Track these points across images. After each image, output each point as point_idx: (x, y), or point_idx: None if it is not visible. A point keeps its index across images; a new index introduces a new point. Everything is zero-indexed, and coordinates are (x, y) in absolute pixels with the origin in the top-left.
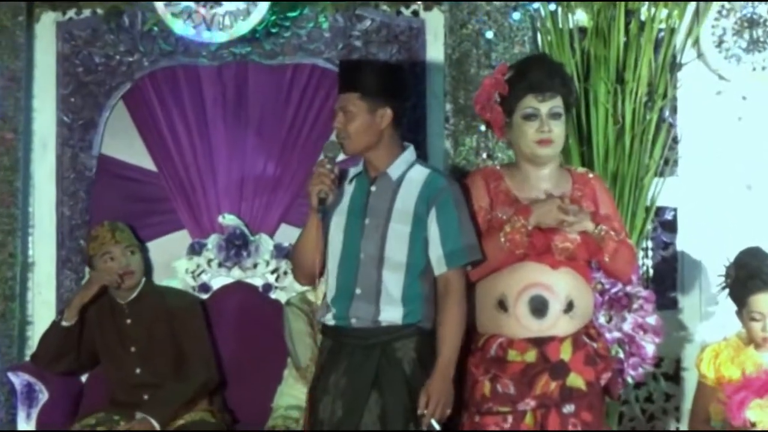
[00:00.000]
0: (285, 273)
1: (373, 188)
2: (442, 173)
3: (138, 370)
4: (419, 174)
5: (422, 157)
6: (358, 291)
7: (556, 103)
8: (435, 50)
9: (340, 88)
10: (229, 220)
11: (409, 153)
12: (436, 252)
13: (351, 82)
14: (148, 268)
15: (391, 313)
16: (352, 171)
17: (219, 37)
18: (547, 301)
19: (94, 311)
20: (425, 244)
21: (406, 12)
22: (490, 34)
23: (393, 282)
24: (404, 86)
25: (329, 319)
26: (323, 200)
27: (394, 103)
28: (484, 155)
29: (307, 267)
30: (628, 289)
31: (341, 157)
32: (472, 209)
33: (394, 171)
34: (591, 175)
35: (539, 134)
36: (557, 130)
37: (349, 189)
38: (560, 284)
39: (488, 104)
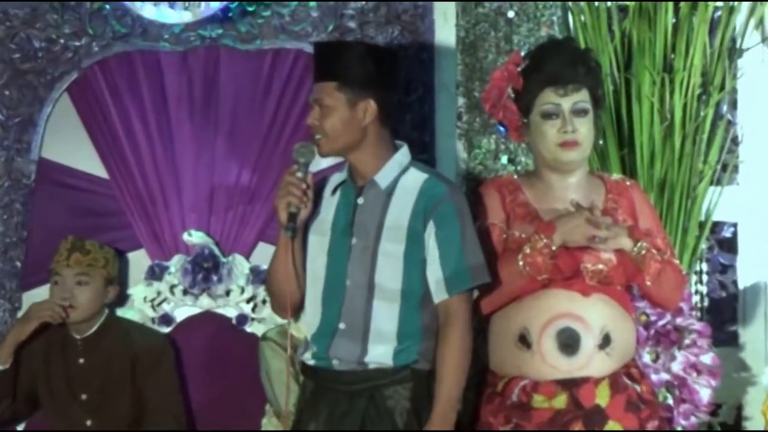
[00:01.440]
0: (264, 302)
1: (360, 200)
2: (442, 178)
3: (88, 422)
4: (414, 180)
5: (430, 161)
6: (341, 326)
7: (581, 97)
8: (445, 33)
9: (315, 76)
10: (196, 237)
11: (402, 155)
12: (435, 275)
13: (327, 69)
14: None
15: (380, 353)
16: (335, 179)
17: (184, 16)
18: (578, 335)
19: (42, 344)
20: (423, 266)
21: None
22: (511, 14)
23: (385, 315)
24: (391, 73)
25: (308, 359)
26: (293, 216)
27: (379, 93)
28: (505, 159)
29: (282, 297)
30: (679, 321)
31: (326, 162)
32: (484, 226)
33: (384, 177)
34: (628, 183)
35: (561, 135)
36: (583, 129)
37: (332, 201)
38: (594, 314)
39: (500, 102)
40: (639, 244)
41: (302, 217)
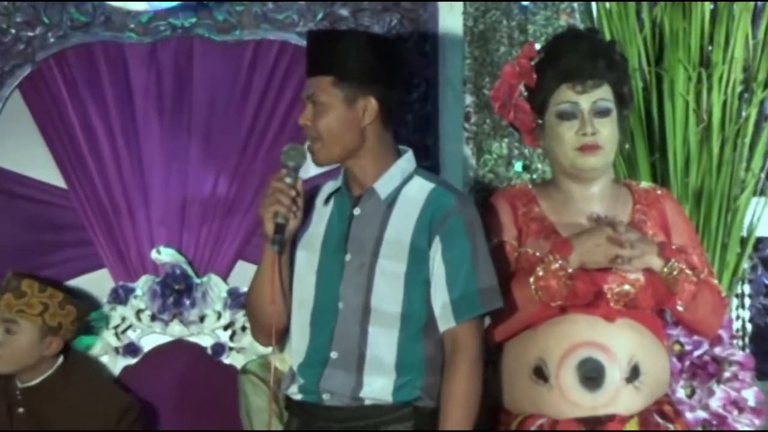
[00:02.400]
0: (243, 329)
1: (356, 211)
2: (452, 188)
3: None
4: (419, 190)
5: (433, 168)
6: (333, 355)
7: (602, 95)
8: (451, 21)
9: (308, 69)
10: (165, 255)
11: (406, 161)
12: (441, 299)
13: (322, 62)
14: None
15: (378, 387)
16: (329, 187)
17: (153, 3)
18: (602, 367)
19: None
20: (427, 288)
21: None
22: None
23: (382, 342)
24: (394, 66)
25: (294, 392)
26: (281, 227)
27: (380, 90)
28: (519, 166)
29: (264, 322)
30: (718, 350)
31: (317, 170)
32: (493, 243)
33: (384, 186)
34: (659, 192)
35: (580, 138)
36: (605, 131)
37: (324, 212)
38: (620, 342)
39: (511, 100)
40: (670, 264)
41: (291, 228)
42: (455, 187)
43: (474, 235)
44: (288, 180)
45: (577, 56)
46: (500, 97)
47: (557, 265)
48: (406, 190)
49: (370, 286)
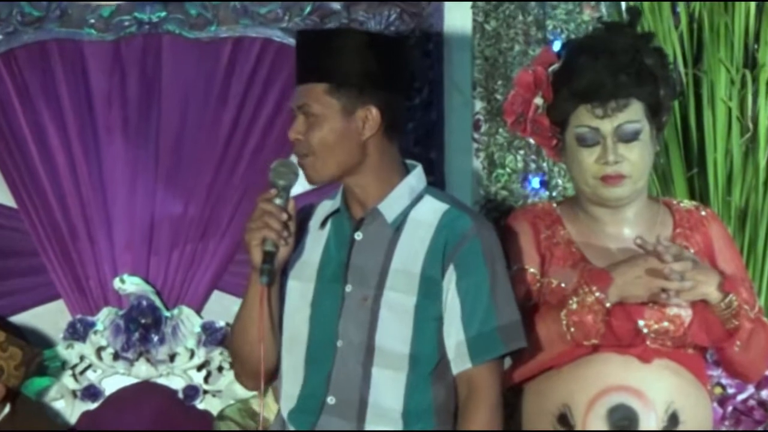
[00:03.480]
0: (220, 369)
1: (358, 236)
2: (468, 209)
3: None
4: (430, 211)
5: (438, 185)
6: (330, 400)
7: (628, 117)
8: (458, 17)
9: (298, 75)
10: (130, 285)
11: (415, 178)
12: (455, 337)
13: (314, 67)
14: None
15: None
16: (325, 207)
17: None
18: (635, 415)
19: None
20: (440, 324)
21: None
22: None
23: (388, 386)
24: (399, 70)
25: None
26: (270, 256)
27: (383, 98)
28: (536, 182)
29: (251, 363)
30: (765, 394)
31: (305, 187)
32: (512, 271)
33: (390, 207)
34: (704, 213)
35: (602, 167)
36: (633, 157)
37: (319, 236)
38: (656, 386)
39: (526, 116)
40: (729, 298)
41: (281, 257)
42: (472, 209)
43: (494, 263)
44: (278, 201)
45: (595, 73)
46: (514, 111)
47: (593, 298)
48: (415, 212)
49: (375, 323)
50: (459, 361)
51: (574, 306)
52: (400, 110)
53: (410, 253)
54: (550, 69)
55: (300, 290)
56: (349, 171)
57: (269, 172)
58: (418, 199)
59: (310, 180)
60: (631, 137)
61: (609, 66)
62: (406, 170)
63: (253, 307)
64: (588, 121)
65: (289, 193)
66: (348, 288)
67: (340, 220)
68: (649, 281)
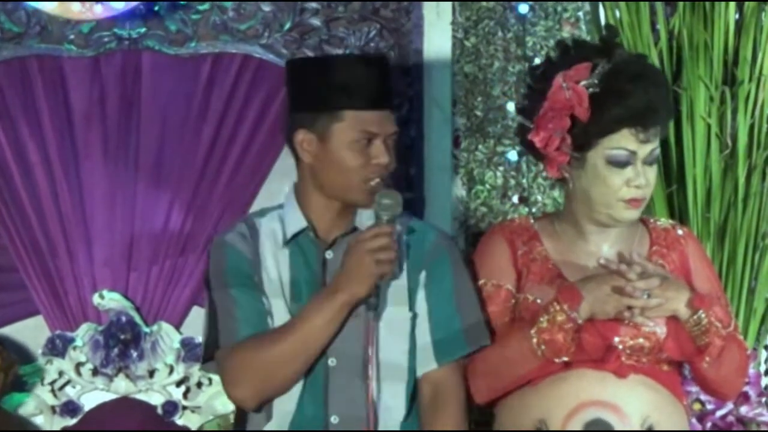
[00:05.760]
0: (199, 384)
1: (329, 254)
2: (423, 221)
3: None
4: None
5: (417, 202)
6: (334, 419)
7: (658, 143)
8: (438, 33)
9: (377, 101)
10: (110, 300)
11: None
12: (421, 340)
13: (386, 93)
14: None
15: None
16: (276, 224)
17: (96, 10)
18: (612, 429)
19: None
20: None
21: None
22: (524, 8)
23: (391, 397)
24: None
25: None
26: (379, 288)
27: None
28: (515, 198)
29: (285, 383)
30: (744, 410)
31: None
32: (486, 288)
33: (363, 225)
34: (680, 232)
35: (631, 190)
36: (653, 179)
37: (282, 253)
38: (632, 401)
39: (559, 134)
40: (698, 314)
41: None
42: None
43: (458, 269)
44: (387, 229)
45: (653, 100)
46: (549, 129)
47: (564, 317)
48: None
49: (375, 336)
50: (424, 362)
51: (545, 324)
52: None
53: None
54: (584, 85)
55: (277, 307)
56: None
57: (374, 204)
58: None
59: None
60: (654, 161)
61: (662, 94)
62: None
63: (325, 333)
64: (628, 144)
65: (394, 225)
66: None
67: (304, 241)
68: (616, 299)
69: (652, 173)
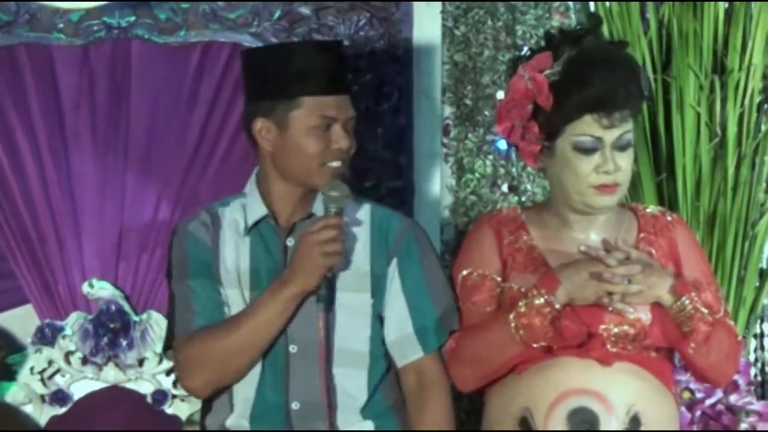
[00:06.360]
0: None
1: (290, 241)
2: (386, 206)
3: None
4: (356, 211)
5: (407, 190)
6: (294, 405)
7: (628, 128)
8: (427, 21)
9: (329, 85)
10: (99, 289)
11: None
12: (402, 330)
13: (343, 77)
14: None
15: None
16: (238, 212)
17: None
18: (596, 417)
19: None
20: (382, 321)
21: None
22: None
23: (352, 383)
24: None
25: None
26: (329, 281)
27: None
28: (505, 187)
29: (233, 378)
30: (733, 399)
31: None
32: (472, 278)
33: (320, 211)
34: (669, 218)
35: (600, 176)
36: (625, 164)
37: (242, 244)
38: (617, 389)
39: (520, 123)
40: (681, 301)
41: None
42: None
43: (426, 254)
44: (340, 228)
45: (611, 85)
46: (507, 118)
47: (542, 301)
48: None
49: (332, 323)
50: (407, 352)
51: (523, 309)
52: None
53: (352, 251)
54: (546, 74)
55: (232, 297)
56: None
57: (325, 198)
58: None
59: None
60: (626, 146)
61: (622, 78)
62: None
63: (276, 325)
64: (592, 130)
65: (342, 216)
66: None
67: (265, 229)
68: (595, 284)
69: (623, 158)
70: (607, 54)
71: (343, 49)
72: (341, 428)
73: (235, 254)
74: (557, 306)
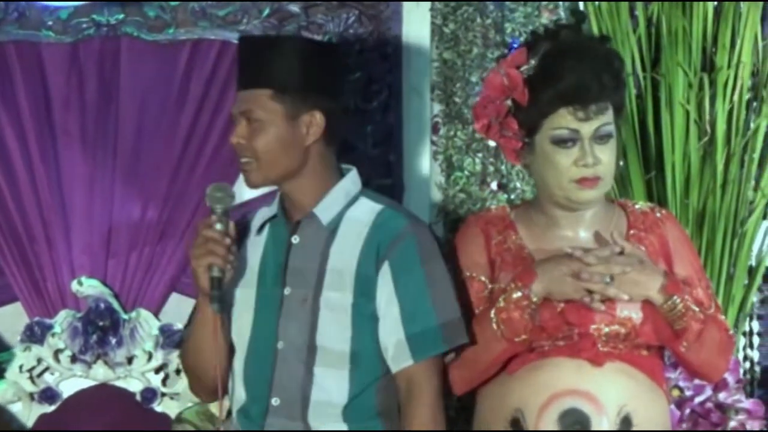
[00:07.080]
0: (177, 371)
1: (294, 239)
2: (403, 210)
3: None
4: (365, 212)
5: (396, 188)
6: (275, 401)
7: (606, 119)
8: (417, 20)
9: (240, 81)
10: (88, 287)
11: (350, 181)
12: (395, 336)
13: (258, 72)
14: None
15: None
16: (262, 213)
17: None
18: (587, 419)
19: None
20: (377, 323)
21: None
22: None
23: (332, 384)
24: (337, 74)
25: None
26: (218, 281)
27: (326, 103)
28: (494, 185)
29: (206, 380)
30: (722, 397)
31: (248, 194)
32: (460, 279)
33: (326, 210)
34: (659, 214)
35: (580, 169)
36: (606, 158)
37: (257, 242)
38: (608, 389)
39: (496, 120)
40: (672, 300)
41: (228, 280)
42: (409, 210)
43: (430, 261)
44: (219, 227)
45: (582, 77)
46: (484, 115)
47: (519, 295)
48: (350, 213)
49: (315, 323)
50: (399, 359)
51: (502, 303)
52: (341, 115)
53: (345, 252)
54: (522, 69)
55: (244, 296)
56: (289, 175)
57: (206, 197)
58: (354, 201)
59: (250, 184)
60: (606, 139)
61: (593, 69)
62: (341, 174)
63: (204, 330)
64: (568, 123)
65: (228, 217)
66: (287, 290)
67: (277, 226)
68: (573, 283)
69: (603, 151)
70: (580, 46)
71: (278, 44)
72: (313, 428)
73: (250, 253)
74: (535, 299)
